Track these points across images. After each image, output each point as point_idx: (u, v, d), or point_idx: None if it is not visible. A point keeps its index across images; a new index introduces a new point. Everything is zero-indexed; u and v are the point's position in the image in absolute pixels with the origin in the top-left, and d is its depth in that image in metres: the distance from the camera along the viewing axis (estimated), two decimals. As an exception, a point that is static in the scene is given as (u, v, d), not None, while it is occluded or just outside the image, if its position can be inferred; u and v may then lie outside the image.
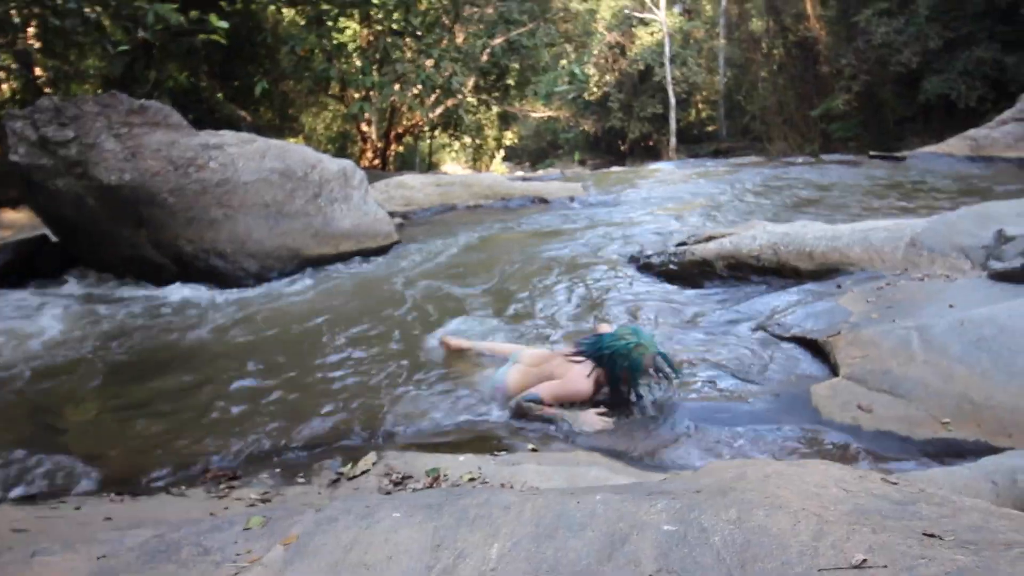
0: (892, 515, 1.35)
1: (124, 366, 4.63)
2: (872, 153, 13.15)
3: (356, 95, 14.59)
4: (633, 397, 3.51)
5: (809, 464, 1.74)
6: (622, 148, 30.80)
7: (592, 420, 3.41)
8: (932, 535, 1.24)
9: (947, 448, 2.91)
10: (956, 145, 11.79)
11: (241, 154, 6.91)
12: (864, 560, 1.17)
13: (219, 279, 6.59)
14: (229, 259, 6.62)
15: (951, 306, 3.71)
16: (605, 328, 3.77)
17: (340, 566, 1.50)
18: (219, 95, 13.50)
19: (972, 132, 11.88)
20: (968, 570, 1.09)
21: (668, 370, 3.44)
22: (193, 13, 6.58)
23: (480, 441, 3.35)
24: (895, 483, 1.60)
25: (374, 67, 13.02)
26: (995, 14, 16.34)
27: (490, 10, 17.74)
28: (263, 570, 1.55)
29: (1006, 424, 2.91)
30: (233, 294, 6.29)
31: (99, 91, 7.82)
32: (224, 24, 6.52)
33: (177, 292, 6.32)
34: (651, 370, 3.41)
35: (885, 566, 1.14)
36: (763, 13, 26.91)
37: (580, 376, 3.54)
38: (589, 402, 3.56)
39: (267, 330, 5.21)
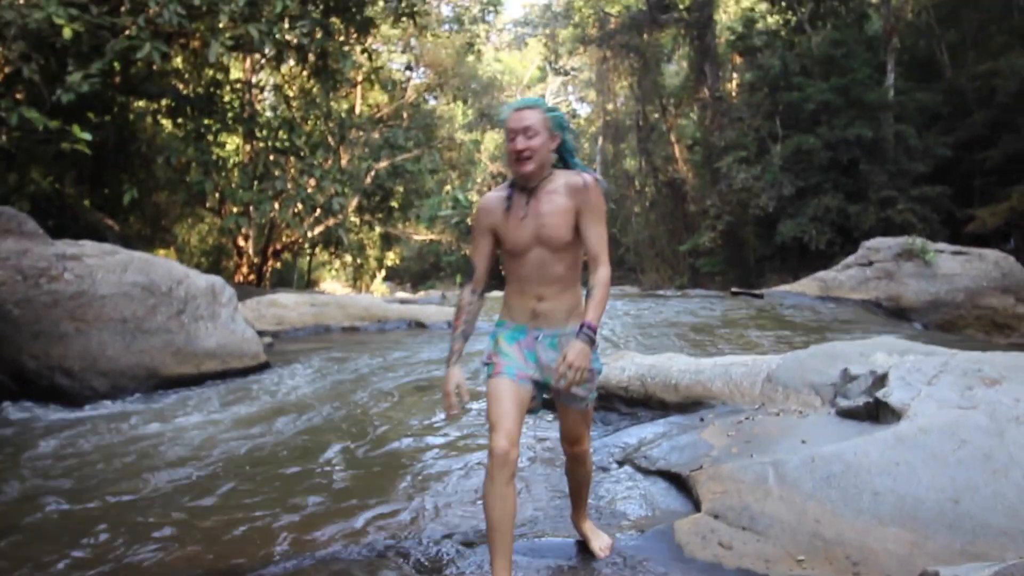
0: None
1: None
2: (734, 290, 13.96)
3: (234, 209, 14.39)
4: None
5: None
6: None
7: None
8: None
9: (802, 586, 2.94)
10: (808, 285, 12.70)
11: (101, 266, 6.58)
12: None
13: (64, 399, 6.11)
14: (76, 377, 6.17)
15: (804, 442, 3.86)
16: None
17: None
18: (85, 202, 12.97)
19: (821, 274, 12.86)
20: None
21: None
22: (54, 123, 6.36)
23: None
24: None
25: (254, 182, 12.91)
26: (839, 167, 18.12)
27: (376, 135, 18.15)
28: None
29: (855, 561, 2.98)
30: (70, 414, 5.81)
31: (-49, 193, 7.39)
32: (87, 136, 6.33)
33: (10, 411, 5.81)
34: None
35: None
36: (636, 154, 28.80)
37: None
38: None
39: (94, 458, 4.80)
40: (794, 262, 18.50)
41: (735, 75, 25.48)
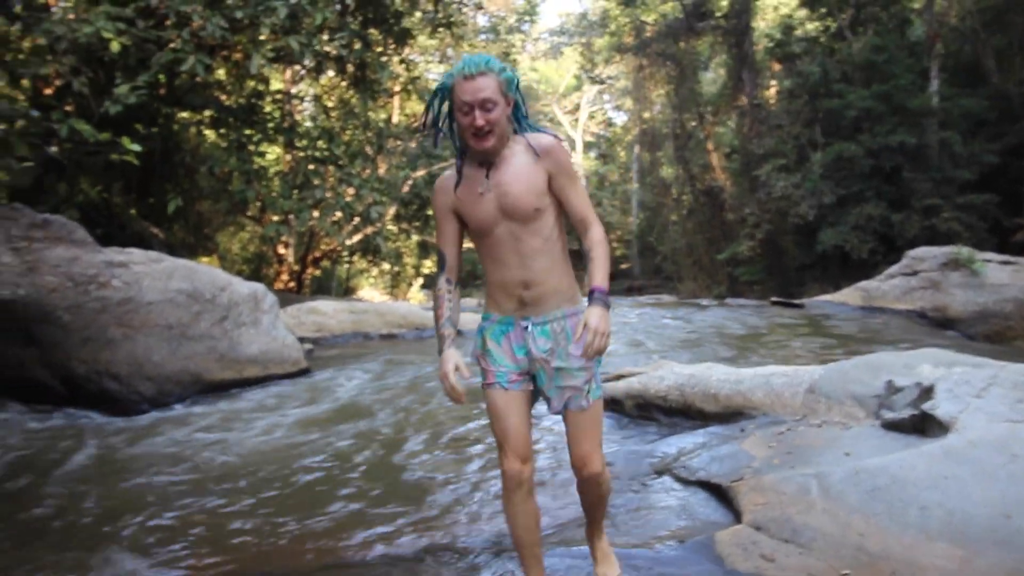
0: None
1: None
2: (773, 299, 13.77)
3: (274, 217, 14.62)
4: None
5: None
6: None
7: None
8: None
9: (847, 601, 2.89)
10: (850, 295, 12.47)
11: (147, 273, 6.73)
12: None
13: (111, 403, 6.25)
14: (124, 381, 6.31)
15: (847, 454, 3.80)
16: None
17: None
18: (132, 211, 13.27)
19: (864, 284, 12.62)
20: None
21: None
22: (104, 135, 6.52)
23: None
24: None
25: (294, 191, 13.10)
26: (881, 175, 17.79)
27: (413, 144, 18.28)
28: None
29: (902, 577, 2.92)
30: (120, 422, 5.93)
31: (3, 202, 7.62)
32: (136, 147, 6.49)
33: (60, 417, 5.95)
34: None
35: None
36: (673, 162, 28.59)
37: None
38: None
39: (146, 463, 4.90)
40: (835, 271, 18.19)
41: (774, 82, 25.20)
